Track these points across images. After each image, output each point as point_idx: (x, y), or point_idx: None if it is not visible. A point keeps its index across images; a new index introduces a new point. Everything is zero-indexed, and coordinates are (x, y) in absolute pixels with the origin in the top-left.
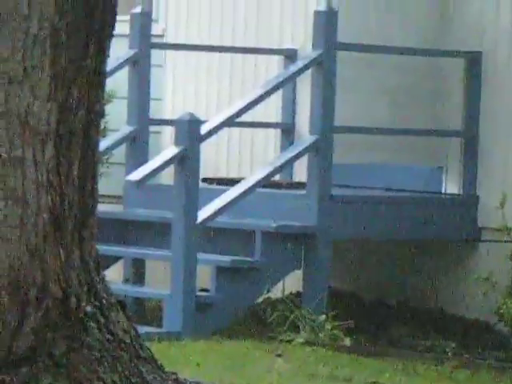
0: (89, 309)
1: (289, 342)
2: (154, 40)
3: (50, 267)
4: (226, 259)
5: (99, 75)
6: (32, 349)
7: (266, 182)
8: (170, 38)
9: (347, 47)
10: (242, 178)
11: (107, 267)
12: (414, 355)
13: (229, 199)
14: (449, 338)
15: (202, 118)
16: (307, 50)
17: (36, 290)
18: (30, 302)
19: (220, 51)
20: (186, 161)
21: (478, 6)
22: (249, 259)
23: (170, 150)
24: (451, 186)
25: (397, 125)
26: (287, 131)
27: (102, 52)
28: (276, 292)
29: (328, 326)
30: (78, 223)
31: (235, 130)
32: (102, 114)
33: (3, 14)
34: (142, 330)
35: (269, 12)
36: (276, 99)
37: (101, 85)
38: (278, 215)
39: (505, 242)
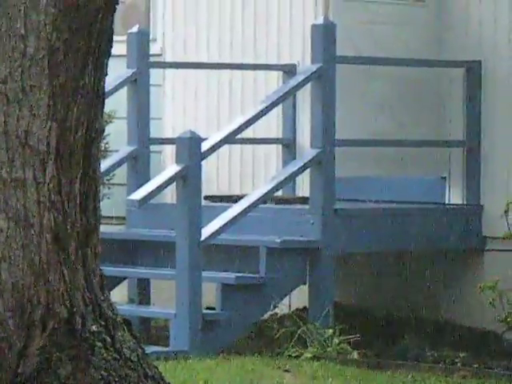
0: (94, 328)
1: (297, 357)
2: (153, 59)
3: (54, 287)
4: (230, 276)
5: (98, 93)
6: (38, 369)
7: (268, 198)
8: (168, 57)
9: (346, 60)
10: (245, 195)
11: (112, 288)
12: (422, 367)
13: (232, 216)
14: (457, 348)
15: (203, 136)
16: (306, 65)
17: (41, 310)
18: (35, 322)
19: (218, 68)
20: (188, 179)
21: (476, 15)
22: (254, 275)
23: (172, 169)
24: (455, 196)
25: (398, 136)
26: (288, 146)
27: (100, 70)
28: (282, 308)
29: (336, 340)
30: (81, 242)
31: (236, 147)
32: (101, 132)
33: None
34: (149, 349)
35: (266, 28)
36: (276, 114)
37: (100, 103)
38: (281, 231)
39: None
